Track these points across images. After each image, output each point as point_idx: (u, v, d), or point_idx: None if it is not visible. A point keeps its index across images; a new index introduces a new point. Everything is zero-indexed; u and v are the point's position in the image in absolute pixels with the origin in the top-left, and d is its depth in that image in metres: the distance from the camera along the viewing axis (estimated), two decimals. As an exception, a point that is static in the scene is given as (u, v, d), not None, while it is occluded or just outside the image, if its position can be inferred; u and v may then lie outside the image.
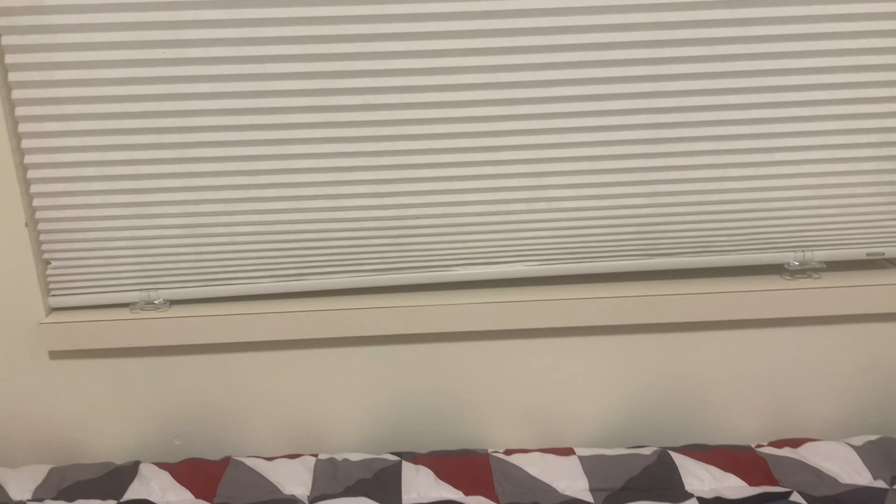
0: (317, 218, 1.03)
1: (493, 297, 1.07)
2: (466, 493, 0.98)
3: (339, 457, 1.05)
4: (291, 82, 0.96)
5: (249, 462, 1.04)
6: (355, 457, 1.05)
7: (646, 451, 1.05)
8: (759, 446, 1.07)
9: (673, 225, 1.06)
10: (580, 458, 1.04)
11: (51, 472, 1.02)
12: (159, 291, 1.06)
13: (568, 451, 1.06)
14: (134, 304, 1.07)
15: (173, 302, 1.08)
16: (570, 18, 0.94)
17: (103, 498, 0.96)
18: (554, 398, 1.15)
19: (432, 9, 0.93)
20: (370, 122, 0.98)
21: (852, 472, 0.99)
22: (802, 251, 1.09)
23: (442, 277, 1.09)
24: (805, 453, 1.04)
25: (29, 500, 0.97)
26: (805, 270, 1.11)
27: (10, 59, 0.93)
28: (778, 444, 1.08)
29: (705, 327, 1.11)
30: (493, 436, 1.17)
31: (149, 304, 1.07)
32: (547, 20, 0.94)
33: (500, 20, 0.94)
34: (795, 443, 1.07)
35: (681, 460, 1.02)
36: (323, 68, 0.95)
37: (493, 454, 1.05)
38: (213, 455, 1.17)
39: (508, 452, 1.06)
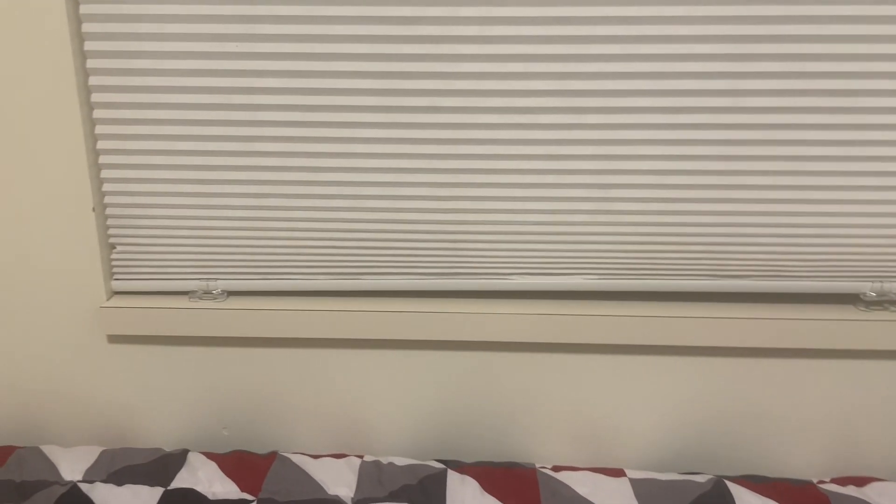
0: (376, 218, 1.03)
1: (549, 309, 1.05)
2: (512, 508, 0.95)
3: (384, 460, 1.04)
4: (359, 81, 0.95)
5: (295, 458, 1.03)
6: (400, 461, 1.04)
7: (700, 479, 1.01)
8: (821, 482, 1.02)
9: (743, 246, 1.02)
10: (631, 480, 1.00)
11: (102, 454, 1.04)
12: (218, 282, 1.07)
13: (618, 473, 1.02)
14: (193, 292, 1.08)
15: (230, 293, 1.09)
16: (648, 28, 0.92)
17: (151, 484, 0.97)
18: (606, 416, 1.12)
19: (503, 13, 0.92)
20: (435, 124, 0.97)
21: (922, 518, 0.94)
22: (881, 282, 1.04)
23: (498, 286, 1.07)
24: (870, 493, 0.98)
25: (79, 481, 0.98)
26: (882, 302, 1.05)
27: (88, 46, 0.95)
28: (841, 481, 1.03)
29: (771, 354, 1.07)
30: (540, 450, 1.15)
31: (207, 294, 1.08)
32: (622, 28, 0.92)
33: (573, 27, 0.92)
34: (860, 481, 1.02)
35: (737, 491, 0.98)
36: (390, 68, 0.95)
37: (541, 469, 1.03)
38: (259, 448, 1.17)
39: (557, 469, 1.03)
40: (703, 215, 1.01)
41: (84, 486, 0.96)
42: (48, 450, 1.04)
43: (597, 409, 1.11)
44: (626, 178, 0.99)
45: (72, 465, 1.01)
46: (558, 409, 1.12)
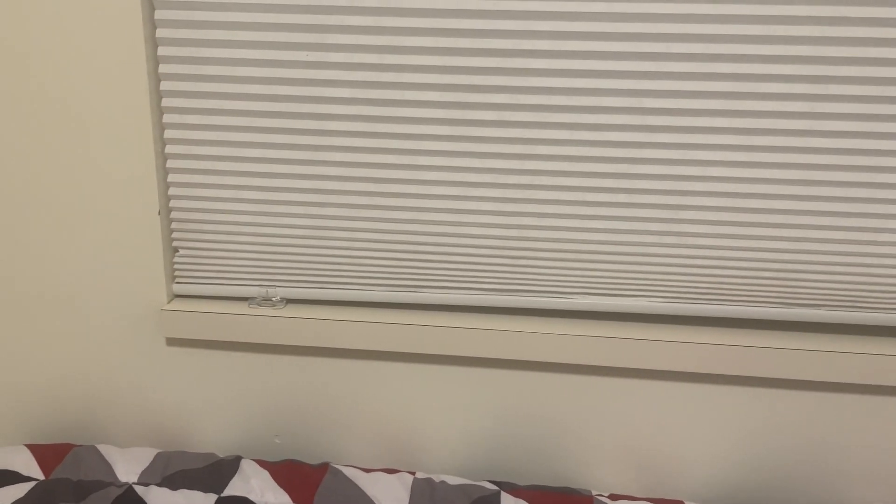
0: (438, 231, 1.02)
1: (612, 332, 1.02)
2: (567, 535, 0.93)
3: (436, 478, 1.03)
4: (427, 93, 0.94)
5: (347, 472, 1.02)
6: (453, 480, 1.02)
7: (765, 516, 0.97)
8: (894, 527, 0.98)
9: (818, 274, 0.98)
10: (692, 513, 0.97)
11: (157, 456, 1.04)
12: (277, 289, 1.07)
13: (679, 504, 0.99)
14: (252, 298, 1.08)
15: (289, 301, 1.09)
16: (725, 47, 0.89)
17: (205, 490, 0.97)
18: (666, 445, 1.08)
19: (576, 27, 0.90)
20: (502, 138, 0.96)
21: None
22: (965, 317, 0.99)
23: (560, 304, 1.05)
24: (949, 542, 0.93)
25: (135, 483, 0.99)
26: (966, 338, 1.00)
27: (161, 51, 0.96)
28: (917, 527, 0.98)
29: (845, 389, 1.02)
30: (595, 476, 1.11)
31: (266, 301, 1.08)
32: (700, 47, 0.89)
33: (648, 43, 0.90)
34: (937, 528, 0.97)
35: (805, 531, 0.93)
36: (460, 81, 0.93)
37: (598, 497, 1.00)
38: (310, 457, 1.16)
39: (614, 497, 1.00)
40: (775, 241, 0.97)
41: (139, 489, 0.97)
42: (104, 449, 1.05)
43: (657, 438, 1.08)
44: (698, 200, 0.96)
45: (127, 467, 1.01)
46: (616, 434, 1.09)
